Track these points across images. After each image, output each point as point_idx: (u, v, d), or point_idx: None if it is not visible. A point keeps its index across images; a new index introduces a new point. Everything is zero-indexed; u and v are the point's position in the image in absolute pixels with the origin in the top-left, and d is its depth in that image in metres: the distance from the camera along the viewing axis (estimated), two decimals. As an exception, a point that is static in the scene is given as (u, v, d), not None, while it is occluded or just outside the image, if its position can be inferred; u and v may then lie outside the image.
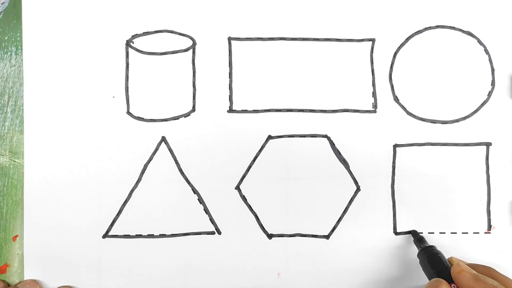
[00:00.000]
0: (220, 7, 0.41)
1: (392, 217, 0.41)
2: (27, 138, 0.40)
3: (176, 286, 0.40)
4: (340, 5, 0.42)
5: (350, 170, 0.41)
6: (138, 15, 0.41)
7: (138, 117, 0.41)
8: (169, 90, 0.41)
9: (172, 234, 0.41)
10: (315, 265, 0.41)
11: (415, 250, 0.40)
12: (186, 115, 0.41)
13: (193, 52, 0.41)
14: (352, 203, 0.41)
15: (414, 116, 0.42)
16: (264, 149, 0.41)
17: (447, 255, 0.39)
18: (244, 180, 0.41)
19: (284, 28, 0.41)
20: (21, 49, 0.41)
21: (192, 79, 0.41)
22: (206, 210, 0.41)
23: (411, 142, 0.41)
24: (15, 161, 0.41)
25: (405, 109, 0.42)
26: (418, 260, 0.39)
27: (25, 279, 0.40)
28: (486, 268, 0.36)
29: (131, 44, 0.41)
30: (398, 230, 0.41)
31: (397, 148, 0.41)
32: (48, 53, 0.41)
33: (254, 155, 0.41)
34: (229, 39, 0.41)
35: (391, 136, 0.41)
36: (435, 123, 0.42)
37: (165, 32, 0.41)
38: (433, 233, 0.41)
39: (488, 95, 0.42)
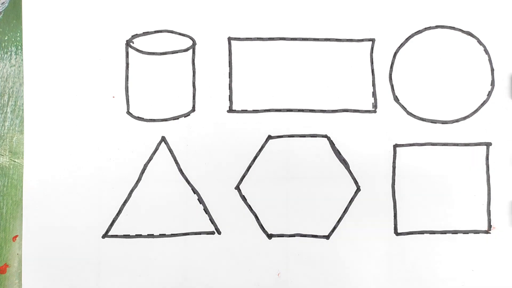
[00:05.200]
0: (220, 7, 0.41)
1: (393, 217, 0.41)
2: (27, 138, 0.40)
3: (176, 286, 0.40)
4: (340, 5, 0.42)
5: (350, 170, 0.41)
6: (138, 15, 0.41)
7: (138, 117, 0.41)
8: (169, 90, 0.41)
9: (172, 234, 0.41)
10: (315, 265, 0.41)
11: (415, 250, 0.40)
12: (186, 115, 0.41)
13: (193, 52, 0.41)
14: (352, 203, 0.41)
15: (414, 116, 0.42)
16: (264, 149, 0.41)
17: (447, 255, 0.39)
18: (244, 180, 0.41)
19: (284, 28, 0.42)
20: (21, 49, 0.41)
21: (192, 79, 0.41)
22: (206, 210, 0.41)
23: (411, 142, 0.41)
24: (15, 161, 0.41)
25: (405, 109, 0.42)
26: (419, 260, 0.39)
27: (23, 279, 0.40)
28: None
29: (131, 44, 0.41)
30: (399, 231, 0.41)
31: (397, 148, 0.41)
32: (48, 53, 0.41)
33: (254, 155, 0.41)
34: (229, 39, 0.41)
35: (391, 136, 0.41)
36: (435, 123, 0.42)
37: (165, 32, 0.41)
38: (433, 233, 0.41)
39: (488, 95, 0.42)
